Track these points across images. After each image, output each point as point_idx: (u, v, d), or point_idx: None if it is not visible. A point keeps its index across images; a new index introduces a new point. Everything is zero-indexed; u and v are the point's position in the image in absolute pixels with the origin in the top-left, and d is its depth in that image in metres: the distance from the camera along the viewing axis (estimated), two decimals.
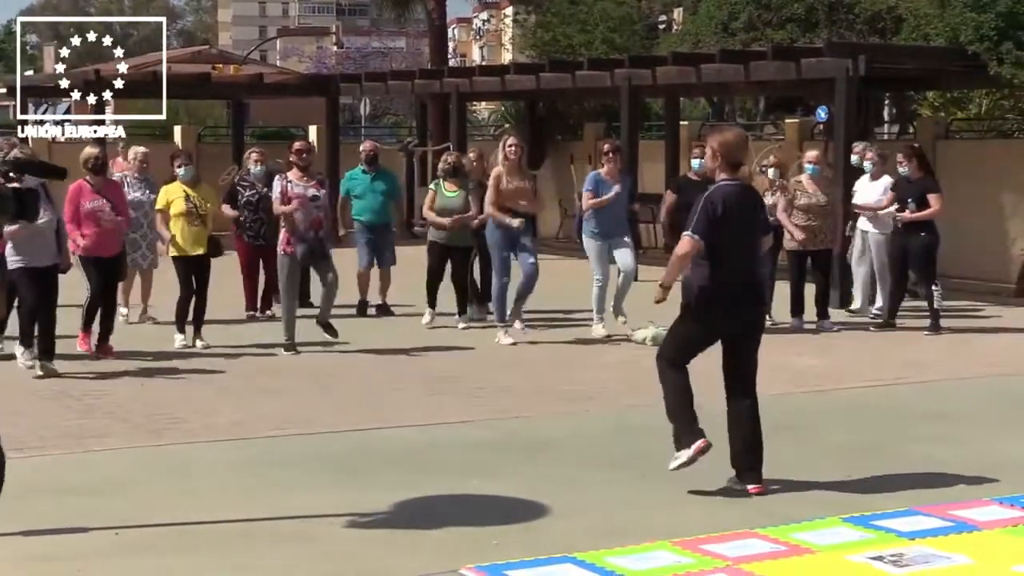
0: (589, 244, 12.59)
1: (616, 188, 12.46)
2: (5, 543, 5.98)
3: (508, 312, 12.37)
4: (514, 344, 12.10)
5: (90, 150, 11.50)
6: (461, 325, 13.09)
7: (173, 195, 12.13)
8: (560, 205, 23.34)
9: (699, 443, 6.94)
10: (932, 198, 13.00)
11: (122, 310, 13.26)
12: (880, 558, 5.75)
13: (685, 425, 6.99)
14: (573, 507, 6.70)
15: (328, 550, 6.01)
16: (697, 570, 5.60)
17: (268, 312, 13.74)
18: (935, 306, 13.01)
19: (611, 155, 12.66)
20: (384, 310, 14.09)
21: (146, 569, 5.79)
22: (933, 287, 13.06)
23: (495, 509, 6.71)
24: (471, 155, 13.98)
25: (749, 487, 6.99)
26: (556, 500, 6.80)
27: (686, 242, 6.94)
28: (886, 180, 13.77)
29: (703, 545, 5.93)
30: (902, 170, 13.21)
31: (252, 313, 13.77)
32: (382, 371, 10.97)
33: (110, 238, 11.30)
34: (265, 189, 13.04)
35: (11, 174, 4.13)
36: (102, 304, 11.28)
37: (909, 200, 12.97)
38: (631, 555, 5.79)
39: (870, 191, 13.88)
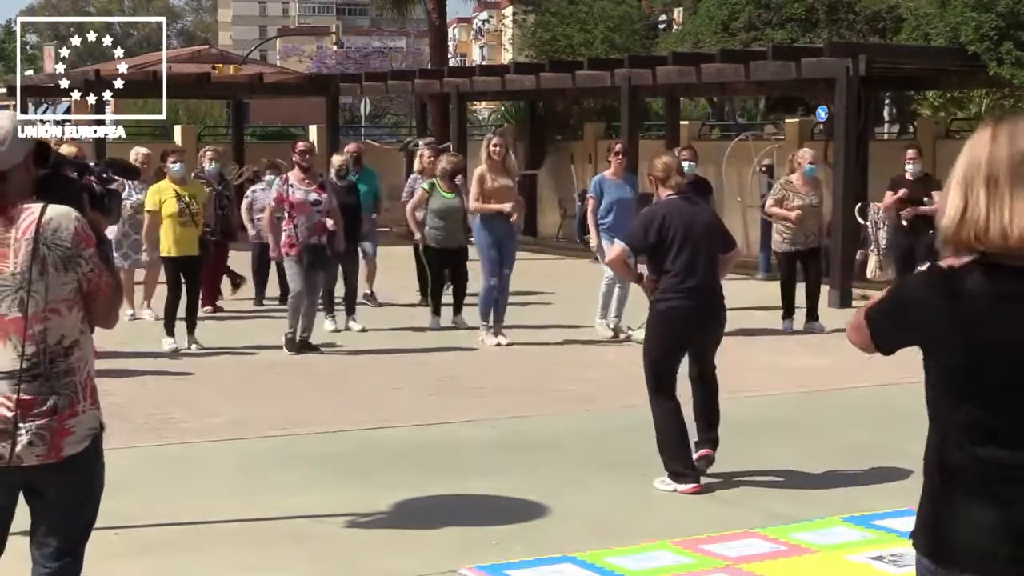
0: (604, 244, 12.58)
1: (628, 193, 12.60)
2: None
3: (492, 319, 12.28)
4: (498, 345, 12.04)
5: (68, 148, 11.43)
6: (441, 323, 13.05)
7: (165, 195, 11.74)
8: (560, 205, 23.29)
9: (690, 487, 6.96)
10: (938, 195, 12.95)
11: (127, 311, 13.24)
12: (880, 558, 5.76)
13: (678, 463, 7.04)
14: (573, 507, 6.70)
15: (328, 550, 6.02)
16: (697, 570, 5.60)
17: (218, 305, 13.89)
18: None
19: (620, 156, 12.71)
20: (370, 299, 14.30)
21: (146, 569, 5.80)
22: None
23: (495, 509, 6.71)
24: (426, 154, 14.25)
25: (699, 451, 7.16)
26: (556, 500, 6.80)
27: (613, 248, 7.38)
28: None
29: (703, 545, 5.94)
30: (913, 167, 13.09)
31: (209, 308, 13.65)
32: (382, 371, 10.96)
33: None
34: (220, 187, 13.60)
35: (104, 175, 4.11)
36: None
37: (925, 199, 12.93)
38: (631, 555, 5.80)
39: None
